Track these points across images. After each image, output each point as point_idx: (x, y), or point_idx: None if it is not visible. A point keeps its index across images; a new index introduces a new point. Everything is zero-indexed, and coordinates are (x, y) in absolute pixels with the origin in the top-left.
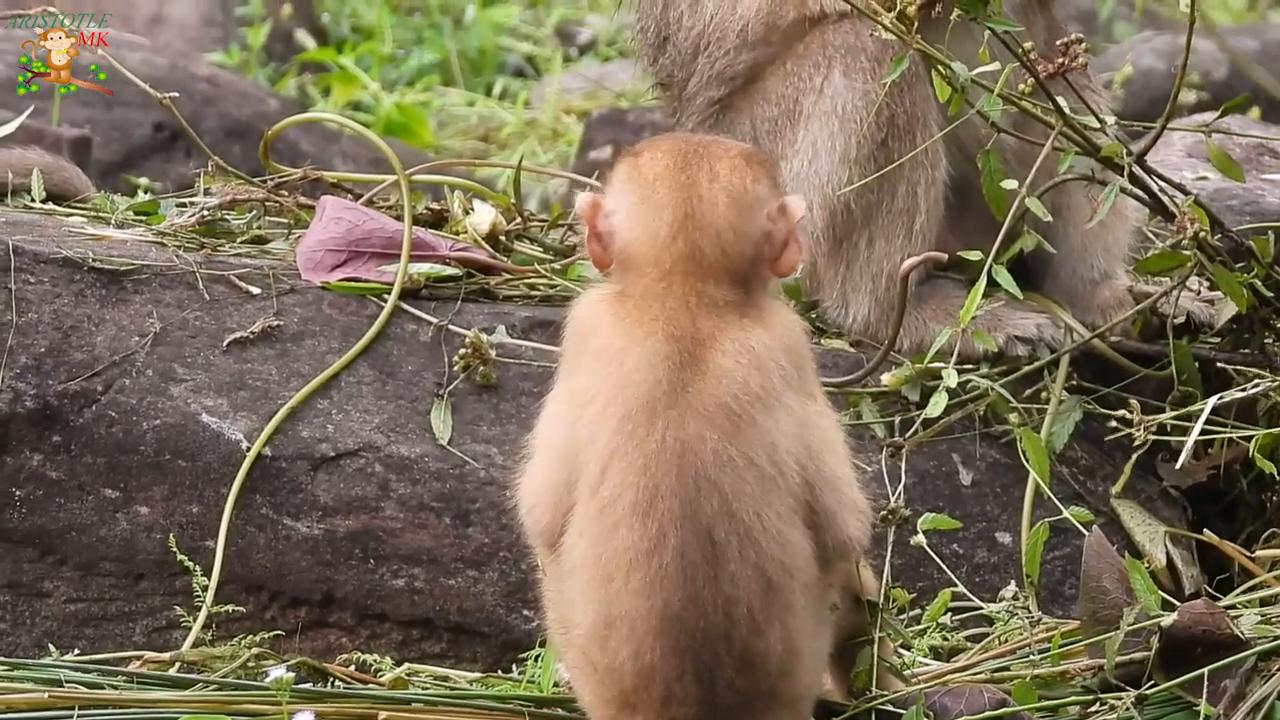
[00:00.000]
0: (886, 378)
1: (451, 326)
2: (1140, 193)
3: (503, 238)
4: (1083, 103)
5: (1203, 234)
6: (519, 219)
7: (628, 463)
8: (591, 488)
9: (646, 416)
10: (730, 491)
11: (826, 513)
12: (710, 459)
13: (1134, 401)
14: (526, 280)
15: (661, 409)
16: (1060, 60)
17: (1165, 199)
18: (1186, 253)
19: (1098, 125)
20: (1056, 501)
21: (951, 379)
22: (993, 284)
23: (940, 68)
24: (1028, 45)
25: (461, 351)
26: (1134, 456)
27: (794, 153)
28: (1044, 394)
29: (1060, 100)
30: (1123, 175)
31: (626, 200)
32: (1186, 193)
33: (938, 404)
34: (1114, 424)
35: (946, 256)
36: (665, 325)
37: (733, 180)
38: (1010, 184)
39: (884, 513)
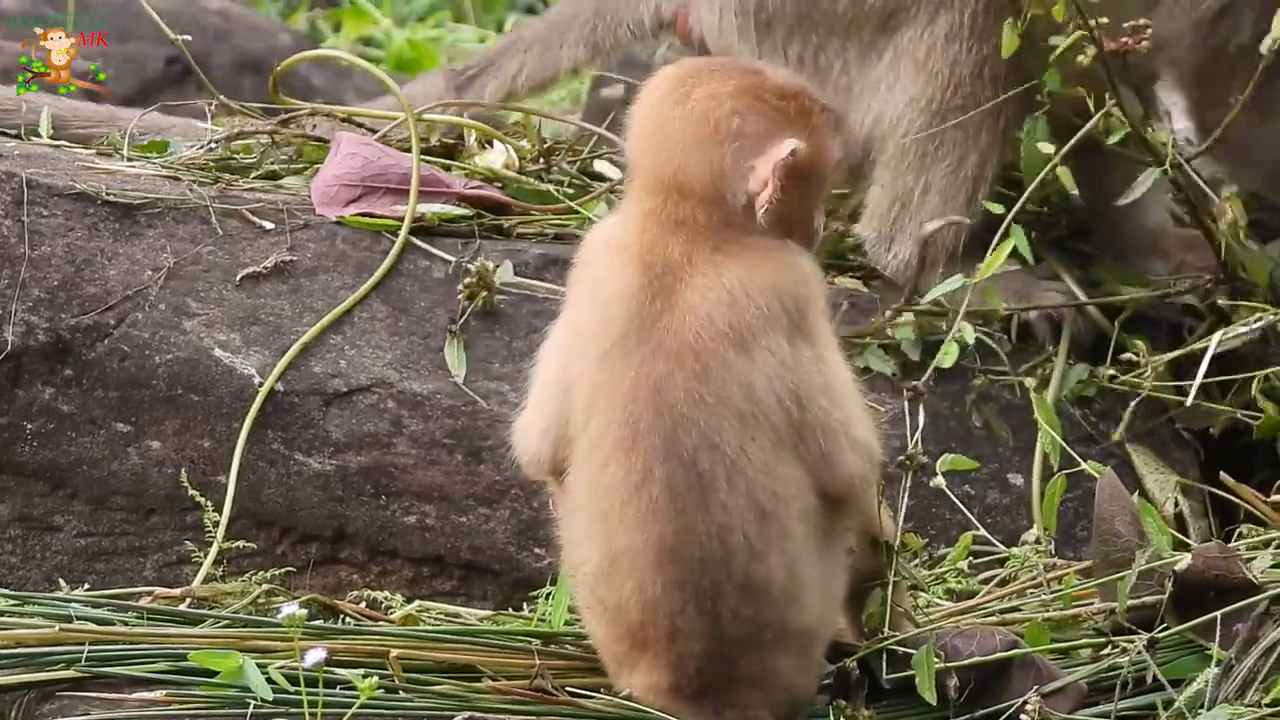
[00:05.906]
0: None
1: (466, 264)
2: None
3: (517, 174)
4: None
5: (1241, 227)
6: (541, 157)
7: (609, 399)
8: (581, 424)
9: (622, 353)
10: (707, 427)
11: (821, 455)
12: (682, 397)
13: (1140, 343)
14: (540, 218)
15: (634, 345)
16: (1125, 40)
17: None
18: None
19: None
20: (1070, 449)
21: (969, 334)
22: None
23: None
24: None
25: (467, 280)
26: (1132, 404)
27: (875, 81)
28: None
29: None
30: (1164, 165)
31: (630, 120)
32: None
33: (949, 354)
34: (1121, 367)
35: (970, 221)
36: (641, 253)
37: (701, 106)
38: (1047, 148)
39: (901, 459)
